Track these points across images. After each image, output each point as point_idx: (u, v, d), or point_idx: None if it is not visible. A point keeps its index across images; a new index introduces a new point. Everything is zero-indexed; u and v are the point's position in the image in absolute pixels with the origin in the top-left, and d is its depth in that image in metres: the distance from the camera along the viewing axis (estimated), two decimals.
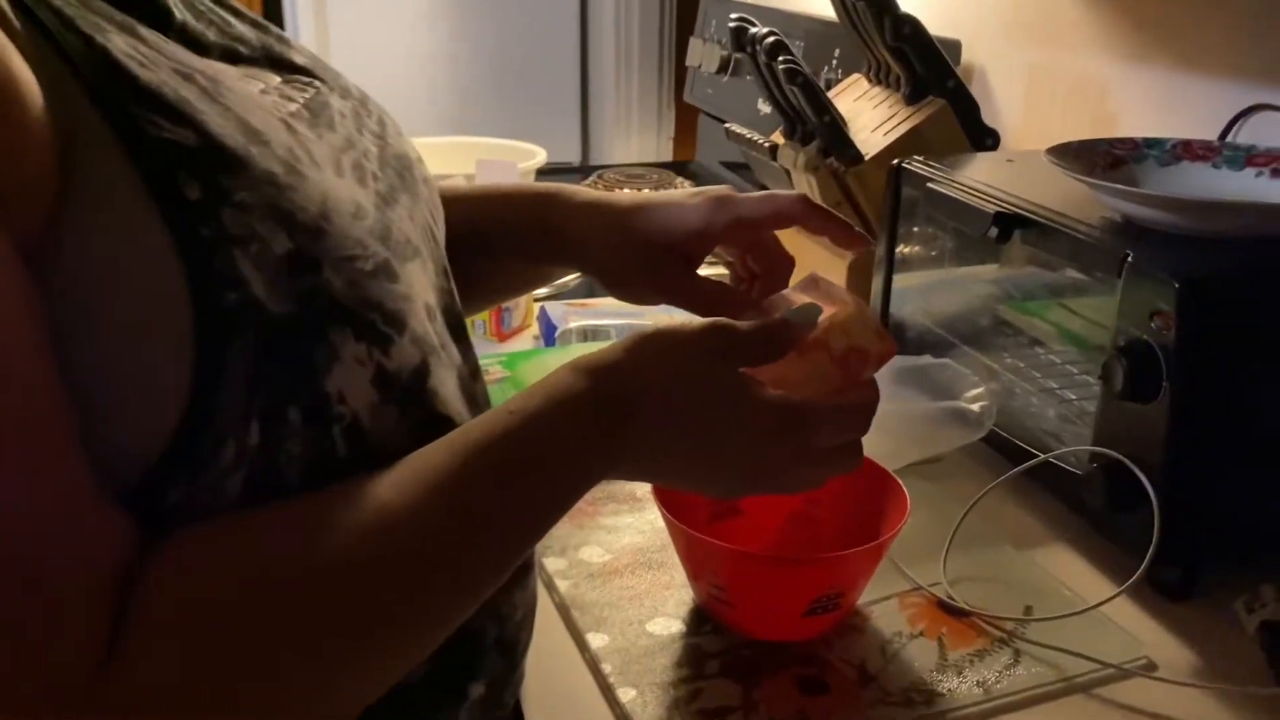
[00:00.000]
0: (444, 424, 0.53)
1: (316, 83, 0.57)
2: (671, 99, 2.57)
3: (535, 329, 1.24)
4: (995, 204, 0.89)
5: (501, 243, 0.73)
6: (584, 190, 0.73)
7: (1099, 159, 0.89)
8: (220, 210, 0.44)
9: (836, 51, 1.54)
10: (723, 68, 1.88)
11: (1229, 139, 1.04)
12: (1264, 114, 1.01)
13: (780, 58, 1.08)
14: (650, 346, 0.54)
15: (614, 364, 0.53)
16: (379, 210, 0.53)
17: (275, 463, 0.46)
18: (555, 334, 1.14)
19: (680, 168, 1.97)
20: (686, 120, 2.44)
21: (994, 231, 0.87)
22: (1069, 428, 0.94)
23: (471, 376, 0.59)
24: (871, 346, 0.58)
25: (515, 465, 0.50)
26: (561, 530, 0.85)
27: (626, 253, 0.69)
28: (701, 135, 2.12)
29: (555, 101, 2.65)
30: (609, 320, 1.15)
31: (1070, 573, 0.81)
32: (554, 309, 1.20)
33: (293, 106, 0.53)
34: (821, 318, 0.58)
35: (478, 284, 0.72)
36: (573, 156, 2.68)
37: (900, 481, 0.76)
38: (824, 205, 0.68)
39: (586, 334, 1.14)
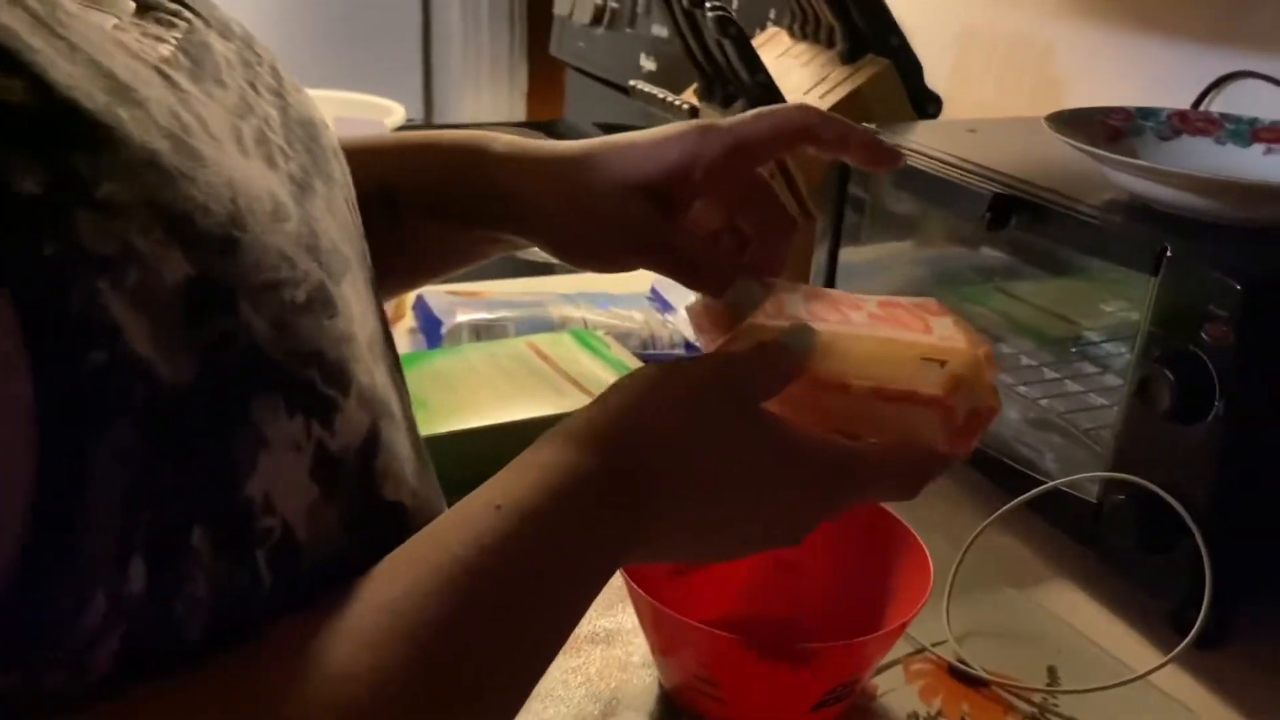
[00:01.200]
0: (395, 515, 0.38)
1: (186, 14, 0.38)
2: (524, 50, 2.37)
3: (411, 320, 1.05)
4: (991, 184, 0.76)
5: (421, 205, 0.54)
6: (519, 139, 0.55)
7: (1097, 130, 0.77)
8: (74, 213, 0.27)
9: (734, 2, 1.39)
10: (597, 18, 1.70)
11: (1201, 109, 0.94)
12: (1240, 83, 0.92)
13: (707, 5, 0.92)
14: (659, 399, 0.41)
15: (620, 430, 0.40)
16: (298, 205, 0.36)
17: (169, 616, 0.29)
18: (441, 330, 0.95)
19: (547, 127, 1.78)
20: (544, 75, 2.25)
21: (987, 217, 0.74)
22: (1041, 435, 0.83)
23: (414, 426, 0.44)
24: (983, 404, 0.43)
25: (518, 588, 0.36)
26: None
27: (585, 207, 0.51)
28: (571, 92, 1.94)
29: (394, 49, 2.41)
30: (506, 313, 0.97)
31: (1086, 620, 0.70)
32: (435, 298, 1.00)
33: (165, 49, 0.35)
34: (947, 368, 0.43)
35: (387, 262, 0.55)
36: (415, 112, 2.44)
37: (902, 520, 0.63)
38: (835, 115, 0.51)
39: (479, 331, 0.95)
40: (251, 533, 0.31)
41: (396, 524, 0.37)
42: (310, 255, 0.34)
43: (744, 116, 0.51)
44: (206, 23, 0.39)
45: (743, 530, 0.43)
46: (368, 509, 0.36)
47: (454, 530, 0.35)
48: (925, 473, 0.45)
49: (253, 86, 0.38)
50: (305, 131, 0.40)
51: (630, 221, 0.51)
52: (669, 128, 0.52)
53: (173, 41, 0.35)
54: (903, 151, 0.51)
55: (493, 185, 0.53)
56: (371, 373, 0.37)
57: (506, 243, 0.57)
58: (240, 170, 0.33)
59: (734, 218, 0.54)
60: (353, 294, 0.37)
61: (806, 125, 0.50)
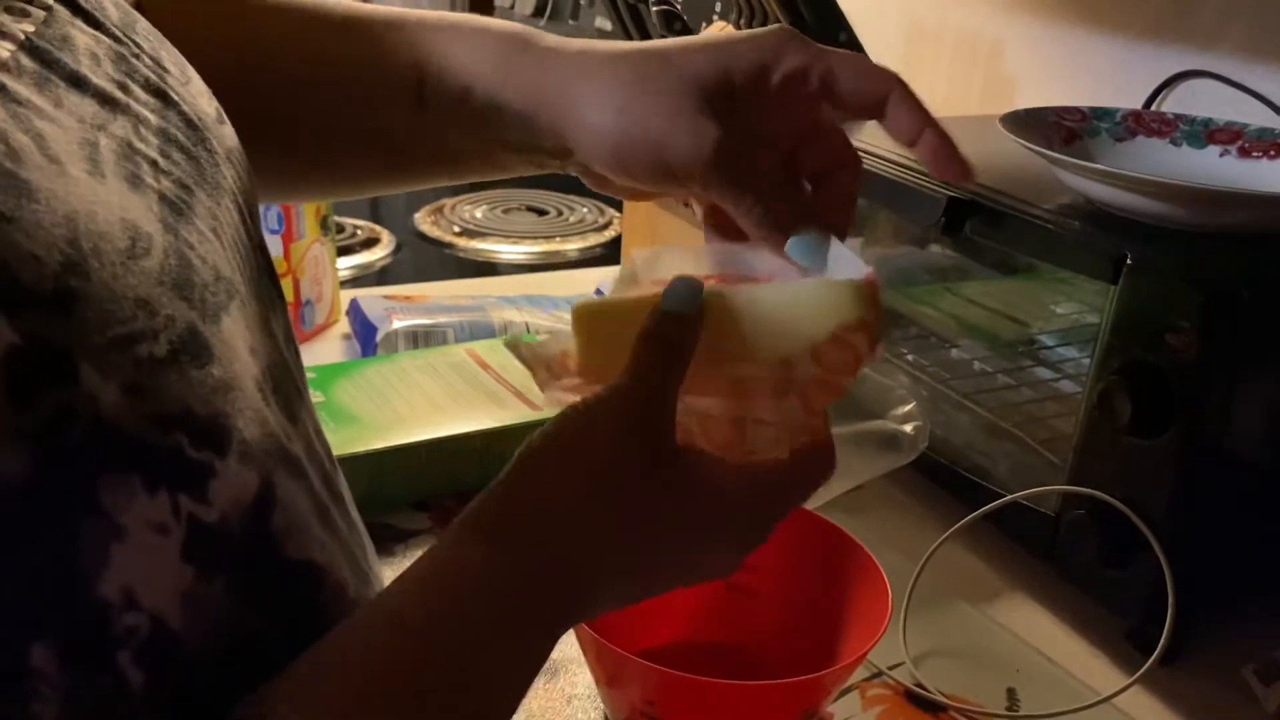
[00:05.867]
0: (305, 575, 0.34)
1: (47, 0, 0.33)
2: None
3: (345, 325, 1.01)
4: (945, 187, 0.73)
5: (451, 93, 0.47)
6: (565, 39, 0.47)
7: (1052, 132, 0.75)
8: None
9: None
10: (539, 10, 1.66)
11: (1152, 108, 0.93)
12: (1190, 83, 0.91)
13: None
14: (562, 470, 0.36)
15: (528, 519, 0.35)
16: (168, 232, 0.31)
17: None
18: (375, 337, 0.91)
19: None
20: None
21: (942, 221, 0.72)
22: (996, 444, 0.81)
23: (327, 461, 0.39)
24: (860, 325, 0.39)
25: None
26: None
27: (645, 107, 0.42)
28: None
29: None
30: (444, 318, 0.93)
31: (1044, 637, 0.68)
32: (370, 302, 0.96)
33: (3, 50, 0.30)
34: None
35: (406, 152, 0.50)
36: None
37: (861, 544, 0.60)
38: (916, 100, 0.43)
39: (417, 337, 0.91)
40: (110, 637, 0.26)
41: (308, 583, 0.33)
42: (178, 294, 0.30)
43: (836, 52, 0.43)
44: (73, 7, 0.34)
45: (683, 567, 0.40)
46: (268, 575, 0.32)
47: (358, 655, 0.31)
48: (827, 465, 0.41)
49: (123, 86, 0.33)
50: (190, 134, 0.35)
51: (695, 127, 0.42)
52: (747, 31, 0.44)
53: (20, 36, 0.31)
54: (973, 170, 0.43)
55: (537, 76, 0.45)
56: (262, 418, 0.32)
57: (532, 152, 0.47)
58: (85, 199, 0.28)
59: (795, 153, 0.45)
60: (236, 328, 0.33)
61: (885, 100, 0.42)
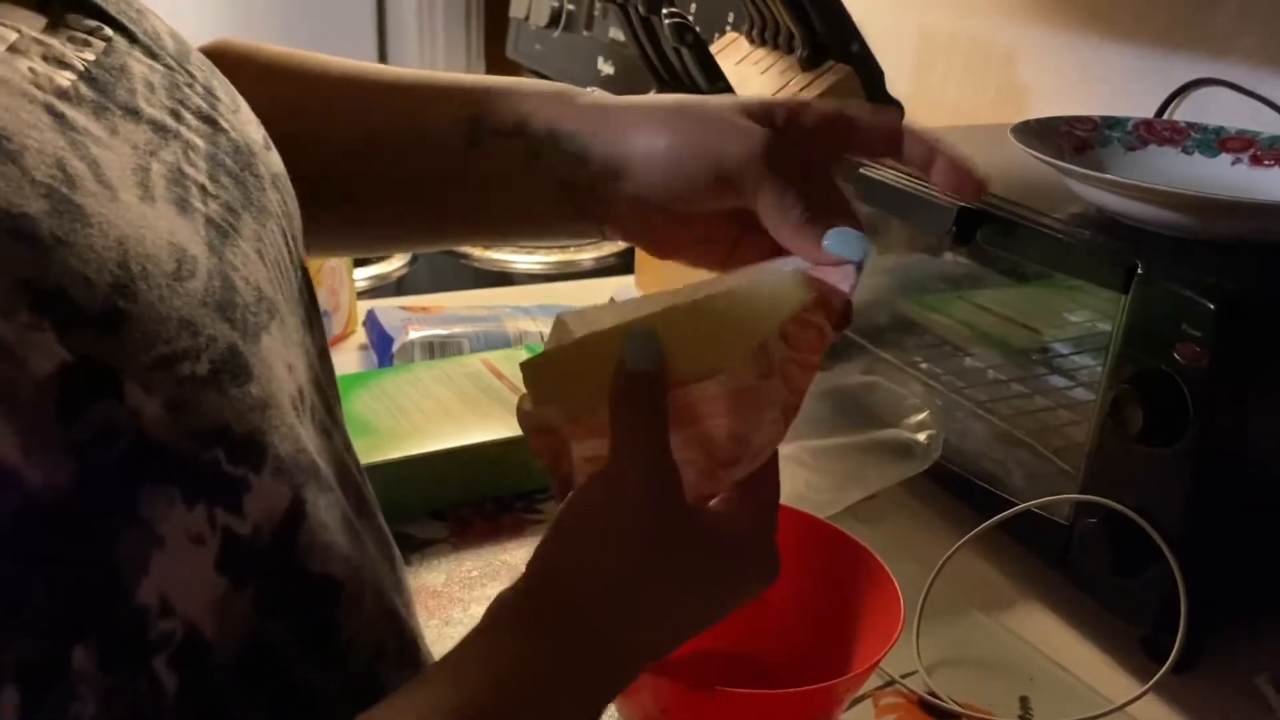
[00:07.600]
0: (323, 589, 0.34)
1: (107, 30, 0.34)
2: (481, 51, 2.34)
3: (362, 336, 1.01)
4: (953, 198, 0.73)
5: (506, 122, 0.49)
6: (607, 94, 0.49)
7: (1063, 141, 0.75)
8: None
9: (692, 7, 1.36)
10: (553, 21, 1.67)
11: (1165, 116, 0.93)
12: (1203, 91, 0.91)
13: (664, 11, 0.89)
14: (603, 556, 0.37)
15: (572, 610, 0.36)
16: (213, 255, 0.32)
17: None
18: (392, 347, 0.92)
19: None
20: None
21: (953, 230, 0.72)
22: (1009, 451, 0.81)
23: (357, 474, 0.41)
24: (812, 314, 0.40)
25: None
26: (429, 631, 0.65)
27: (700, 129, 0.44)
28: None
29: (348, 51, 2.35)
30: (460, 329, 0.94)
31: (1057, 645, 0.68)
32: (386, 313, 0.97)
33: (64, 79, 0.31)
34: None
35: (441, 190, 0.51)
36: None
37: (874, 552, 0.60)
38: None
39: (433, 347, 0.92)
40: (146, 641, 0.27)
41: (325, 598, 0.34)
42: (220, 315, 0.31)
43: (820, 112, 0.45)
44: (132, 38, 0.35)
45: (722, 608, 0.41)
46: (290, 587, 0.33)
47: None
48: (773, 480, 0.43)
49: (175, 114, 0.34)
50: (238, 160, 0.37)
51: (744, 132, 0.44)
52: (731, 108, 0.45)
53: (80, 66, 0.32)
54: (986, 183, 0.45)
55: (587, 114, 0.47)
56: (295, 435, 0.33)
57: (580, 189, 0.48)
58: (135, 223, 0.29)
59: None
60: (275, 346, 0.34)
61: (898, 135, 0.44)
